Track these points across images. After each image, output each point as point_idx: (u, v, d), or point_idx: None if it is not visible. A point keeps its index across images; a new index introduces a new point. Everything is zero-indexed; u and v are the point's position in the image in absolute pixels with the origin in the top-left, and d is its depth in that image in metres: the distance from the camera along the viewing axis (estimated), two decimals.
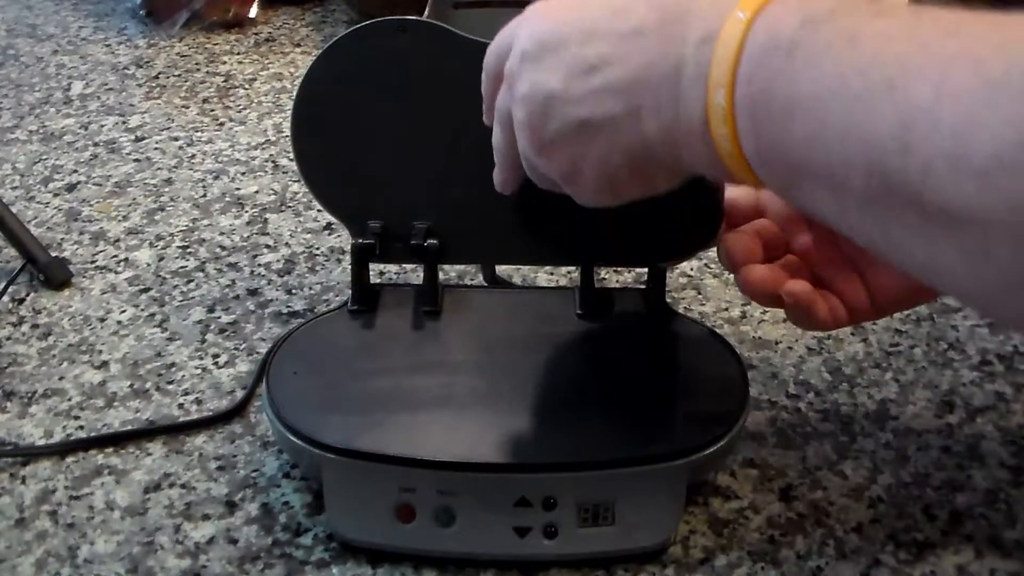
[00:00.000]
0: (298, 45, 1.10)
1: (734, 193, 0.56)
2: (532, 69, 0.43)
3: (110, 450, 0.59)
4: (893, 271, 0.53)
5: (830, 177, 0.35)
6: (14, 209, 0.78)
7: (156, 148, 0.91)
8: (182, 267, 0.75)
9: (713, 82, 0.38)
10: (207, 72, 1.05)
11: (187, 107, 0.98)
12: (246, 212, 0.81)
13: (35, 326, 0.69)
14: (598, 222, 0.56)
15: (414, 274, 0.70)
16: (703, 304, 0.70)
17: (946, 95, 0.31)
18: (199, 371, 0.65)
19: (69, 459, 0.59)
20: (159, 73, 1.05)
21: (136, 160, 0.89)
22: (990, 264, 0.31)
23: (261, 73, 1.04)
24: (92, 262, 0.76)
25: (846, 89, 0.34)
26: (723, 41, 0.38)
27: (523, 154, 0.46)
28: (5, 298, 0.72)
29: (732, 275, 0.57)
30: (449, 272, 0.72)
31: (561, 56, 0.42)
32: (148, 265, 0.75)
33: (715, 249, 0.57)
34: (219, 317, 0.70)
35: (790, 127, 0.36)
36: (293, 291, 0.72)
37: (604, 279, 0.72)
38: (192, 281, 0.73)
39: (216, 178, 0.86)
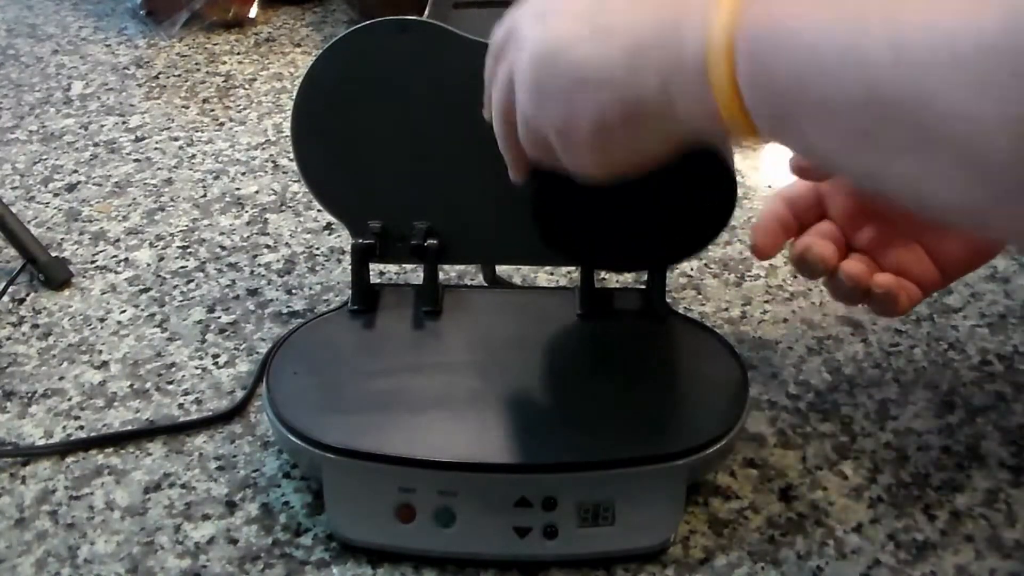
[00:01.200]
0: (298, 45, 1.10)
1: (797, 190, 0.56)
2: (541, 26, 0.45)
3: (110, 450, 0.59)
4: (952, 234, 0.54)
5: (822, 104, 0.35)
6: (14, 209, 0.78)
7: (156, 148, 0.91)
8: (182, 267, 0.75)
9: (714, 23, 0.39)
10: (207, 72, 1.05)
11: (187, 107, 0.98)
12: (246, 212, 0.81)
13: (35, 326, 0.69)
14: (601, 225, 0.56)
15: (414, 274, 0.70)
16: (703, 304, 0.70)
17: (935, 10, 0.32)
18: (199, 371, 0.65)
19: (69, 459, 0.59)
20: (159, 73, 1.05)
21: (136, 160, 0.89)
22: (989, 164, 0.31)
23: (261, 73, 1.04)
24: (92, 262, 0.76)
25: (838, 20, 0.35)
26: None
27: (522, 112, 0.46)
28: (5, 298, 0.72)
29: (805, 276, 0.56)
30: (449, 272, 0.72)
31: (572, 10, 0.44)
32: (148, 265, 0.75)
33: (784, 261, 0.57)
34: (219, 317, 0.70)
35: (784, 58, 0.37)
36: (293, 291, 0.72)
37: (604, 279, 0.72)
38: (192, 281, 0.73)
39: (216, 178, 0.86)
